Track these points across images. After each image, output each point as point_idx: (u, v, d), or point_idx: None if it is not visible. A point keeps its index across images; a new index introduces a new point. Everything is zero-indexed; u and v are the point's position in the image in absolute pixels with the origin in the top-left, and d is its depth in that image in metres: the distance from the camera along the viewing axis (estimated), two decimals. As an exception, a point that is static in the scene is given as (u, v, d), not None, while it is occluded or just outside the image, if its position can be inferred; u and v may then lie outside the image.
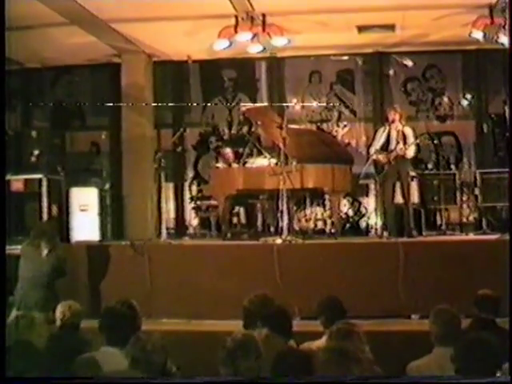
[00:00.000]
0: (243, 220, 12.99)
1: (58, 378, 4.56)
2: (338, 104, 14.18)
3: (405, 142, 10.82)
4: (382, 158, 10.82)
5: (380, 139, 10.99)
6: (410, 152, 10.94)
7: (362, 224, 13.89)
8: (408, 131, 10.97)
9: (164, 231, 11.73)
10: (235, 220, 12.68)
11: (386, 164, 10.78)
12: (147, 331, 5.41)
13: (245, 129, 14.32)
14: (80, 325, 6.52)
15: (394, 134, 10.91)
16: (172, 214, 14.37)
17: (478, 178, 12.54)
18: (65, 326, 6.38)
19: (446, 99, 13.92)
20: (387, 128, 11.01)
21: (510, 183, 10.84)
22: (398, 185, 11.10)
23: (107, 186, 14.34)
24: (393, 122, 10.95)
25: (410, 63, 13.87)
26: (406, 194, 11.01)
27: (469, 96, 13.73)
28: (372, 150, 11.04)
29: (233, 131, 14.52)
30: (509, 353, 4.38)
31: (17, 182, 11.72)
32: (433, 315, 5.48)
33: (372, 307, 8.71)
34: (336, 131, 14.17)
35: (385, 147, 10.91)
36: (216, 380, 4.61)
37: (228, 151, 12.54)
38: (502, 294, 6.83)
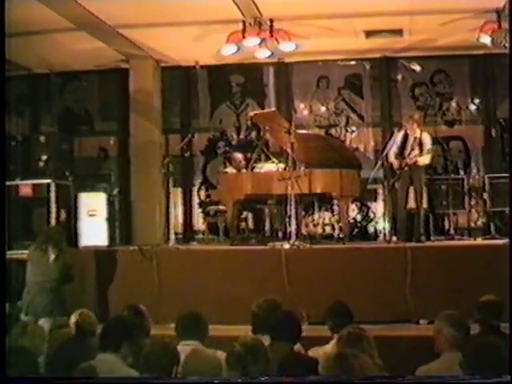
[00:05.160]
0: (251, 225, 12.99)
1: (58, 378, 4.57)
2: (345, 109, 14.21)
3: (421, 149, 10.80)
4: (395, 162, 10.82)
5: (397, 143, 10.97)
6: (425, 159, 10.91)
7: (370, 229, 13.89)
8: (426, 138, 10.93)
9: (172, 236, 11.74)
10: (243, 225, 12.66)
11: (399, 169, 10.78)
12: (156, 336, 5.42)
13: (253, 134, 14.32)
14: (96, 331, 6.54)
15: (410, 140, 10.90)
16: (180, 219, 14.36)
17: (486, 182, 12.52)
18: (82, 332, 6.40)
19: (453, 104, 13.91)
20: (404, 133, 10.99)
21: (510, 187, 10.83)
22: (411, 190, 11.07)
23: (115, 191, 14.39)
24: (411, 128, 10.94)
25: (417, 68, 13.87)
26: (418, 200, 10.98)
27: (477, 101, 13.74)
28: (391, 153, 10.99)
29: (241, 136, 14.53)
30: (509, 353, 4.38)
31: (25, 186, 11.73)
32: (441, 320, 5.47)
33: (380, 312, 8.71)
34: (344, 136, 14.18)
35: (400, 152, 10.90)
36: (216, 380, 4.63)
37: (240, 156, 12.53)
38: (506, 299, 6.84)
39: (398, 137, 11.09)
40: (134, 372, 5.02)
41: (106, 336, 5.51)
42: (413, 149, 10.83)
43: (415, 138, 10.88)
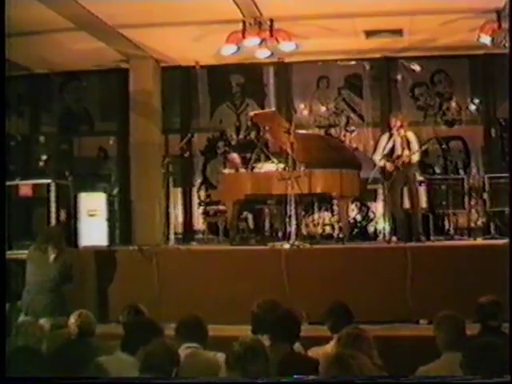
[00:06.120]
0: (251, 225, 12.98)
1: (58, 378, 4.56)
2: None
3: (409, 147, 10.83)
4: (388, 164, 10.82)
5: (385, 146, 11.00)
6: (416, 156, 10.96)
7: (370, 229, 13.88)
8: (411, 136, 11.00)
9: (172, 236, 11.75)
10: (243, 225, 12.65)
11: (394, 170, 10.78)
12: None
13: (253, 134, 14.32)
14: (95, 331, 6.56)
15: (398, 141, 10.92)
16: (180, 219, 14.37)
17: (486, 182, 12.52)
18: (82, 333, 6.40)
19: (453, 104, 13.90)
20: (391, 134, 11.02)
21: (510, 187, 10.84)
22: (405, 190, 11.09)
23: (115, 191, 14.39)
24: (396, 128, 10.95)
25: (417, 68, 13.87)
26: (414, 199, 11.00)
27: (477, 101, 13.74)
28: (377, 157, 11.05)
29: (241, 136, 14.53)
30: (509, 353, 4.38)
31: (25, 186, 11.73)
32: (437, 322, 5.51)
33: (380, 312, 8.70)
34: (344, 136, 14.18)
35: (390, 154, 10.92)
36: (216, 380, 4.63)
37: (235, 156, 12.55)
38: (506, 299, 6.85)
39: (386, 139, 11.10)
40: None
41: (128, 335, 5.54)
42: (403, 148, 10.85)
43: (402, 138, 10.90)
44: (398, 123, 10.96)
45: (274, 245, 10.14)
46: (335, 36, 12.20)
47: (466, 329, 5.48)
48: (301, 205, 11.35)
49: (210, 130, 14.61)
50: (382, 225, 12.92)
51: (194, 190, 14.57)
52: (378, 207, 13.57)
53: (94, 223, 12.22)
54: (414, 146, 10.94)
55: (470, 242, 11.71)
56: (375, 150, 11.49)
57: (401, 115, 11.43)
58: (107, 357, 5.26)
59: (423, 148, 11.19)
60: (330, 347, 5.70)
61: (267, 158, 12.15)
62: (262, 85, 14.56)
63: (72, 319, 6.54)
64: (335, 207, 12.59)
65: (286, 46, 11.58)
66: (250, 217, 12.88)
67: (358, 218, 13.91)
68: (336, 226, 12.56)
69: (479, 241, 11.68)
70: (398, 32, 12.20)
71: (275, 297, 6.63)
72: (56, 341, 5.98)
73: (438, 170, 13.65)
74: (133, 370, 4.91)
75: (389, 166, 10.83)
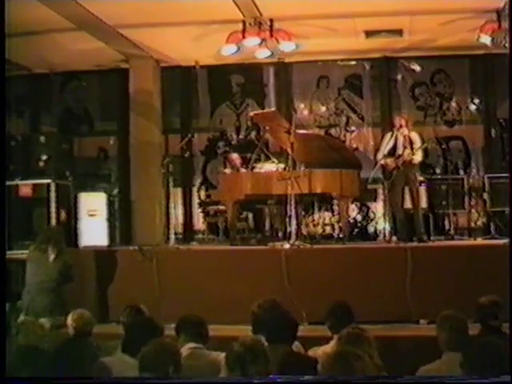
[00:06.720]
0: (251, 225, 12.98)
1: (58, 378, 4.57)
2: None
3: (412, 148, 10.82)
4: (389, 163, 10.82)
5: (387, 145, 10.99)
6: (418, 157, 10.95)
7: (370, 229, 13.89)
8: (414, 136, 10.98)
9: (172, 236, 11.74)
10: (243, 225, 12.65)
11: (394, 169, 10.78)
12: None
13: (253, 134, 14.32)
14: (91, 331, 6.56)
15: (400, 140, 10.91)
16: (180, 219, 14.36)
17: (486, 182, 12.52)
18: (78, 333, 6.40)
19: (453, 104, 13.91)
20: (394, 134, 11.02)
21: (510, 187, 10.84)
22: (406, 190, 11.08)
23: (115, 191, 14.38)
24: (399, 127, 10.95)
25: (417, 68, 13.88)
26: (414, 199, 11.00)
27: (477, 101, 13.74)
28: (379, 156, 11.06)
29: (241, 136, 14.53)
30: (509, 353, 4.38)
31: (25, 186, 11.74)
32: (440, 321, 5.51)
33: (380, 312, 8.69)
34: (344, 136, 14.18)
35: (392, 153, 10.92)
36: (216, 380, 4.62)
37: (235, 156, 12.56)
38: (506, 299, 6.86)
39: (389, 138, 11.11)
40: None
41: (129, 336, 5.53)
42: (405, 147, 10.85)
43: (405, 137, 10.90)
44: (403, 122, 10.97)
45: (275, 245, 10.14)
46: (335, 36, 12.20)
47: (467, 328, 5.48)
48: (301, 205, 11.36)
49: (210, 129, 14.61)
50: (382, 225, 12.94)
51: (194, 189, 14.57)
52: (378, 207, 13.58)
53: (94, 223, 12.22)
54: (417, 146, 10.93)
55: (470, 242, 11.70)
56: (378, 149, 11.49)
57: (405, 115, 11.44)
58: (109, 358, 5.26)
59: (423, 146, 11.18)
60: (330, 347, 5.69)
61: (267, 158, 12.16)
62: (262, 85, 14.57)
63: (69, 320, 6.56)
64: (335, 207, 12.60)
65: (286, 46, 11.58)
66: (250, 217, 12.88)
67: (358, 217, 13.91)
68: (336, 226, 12.57)
69: (479, 241, 11.67)
70: (398, 32, 12.19)
71: (275, 297, 6.62)
72: (55, 341, 5.98)
73: (438, 170, 13.64)
74: (135, 372, 4.92)
75: (389, 165, 10.83)
